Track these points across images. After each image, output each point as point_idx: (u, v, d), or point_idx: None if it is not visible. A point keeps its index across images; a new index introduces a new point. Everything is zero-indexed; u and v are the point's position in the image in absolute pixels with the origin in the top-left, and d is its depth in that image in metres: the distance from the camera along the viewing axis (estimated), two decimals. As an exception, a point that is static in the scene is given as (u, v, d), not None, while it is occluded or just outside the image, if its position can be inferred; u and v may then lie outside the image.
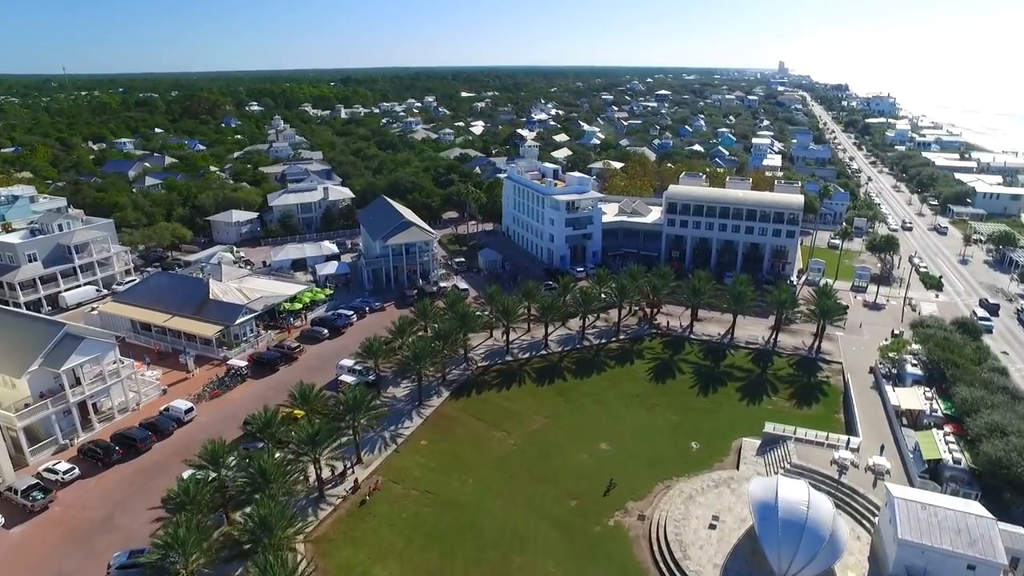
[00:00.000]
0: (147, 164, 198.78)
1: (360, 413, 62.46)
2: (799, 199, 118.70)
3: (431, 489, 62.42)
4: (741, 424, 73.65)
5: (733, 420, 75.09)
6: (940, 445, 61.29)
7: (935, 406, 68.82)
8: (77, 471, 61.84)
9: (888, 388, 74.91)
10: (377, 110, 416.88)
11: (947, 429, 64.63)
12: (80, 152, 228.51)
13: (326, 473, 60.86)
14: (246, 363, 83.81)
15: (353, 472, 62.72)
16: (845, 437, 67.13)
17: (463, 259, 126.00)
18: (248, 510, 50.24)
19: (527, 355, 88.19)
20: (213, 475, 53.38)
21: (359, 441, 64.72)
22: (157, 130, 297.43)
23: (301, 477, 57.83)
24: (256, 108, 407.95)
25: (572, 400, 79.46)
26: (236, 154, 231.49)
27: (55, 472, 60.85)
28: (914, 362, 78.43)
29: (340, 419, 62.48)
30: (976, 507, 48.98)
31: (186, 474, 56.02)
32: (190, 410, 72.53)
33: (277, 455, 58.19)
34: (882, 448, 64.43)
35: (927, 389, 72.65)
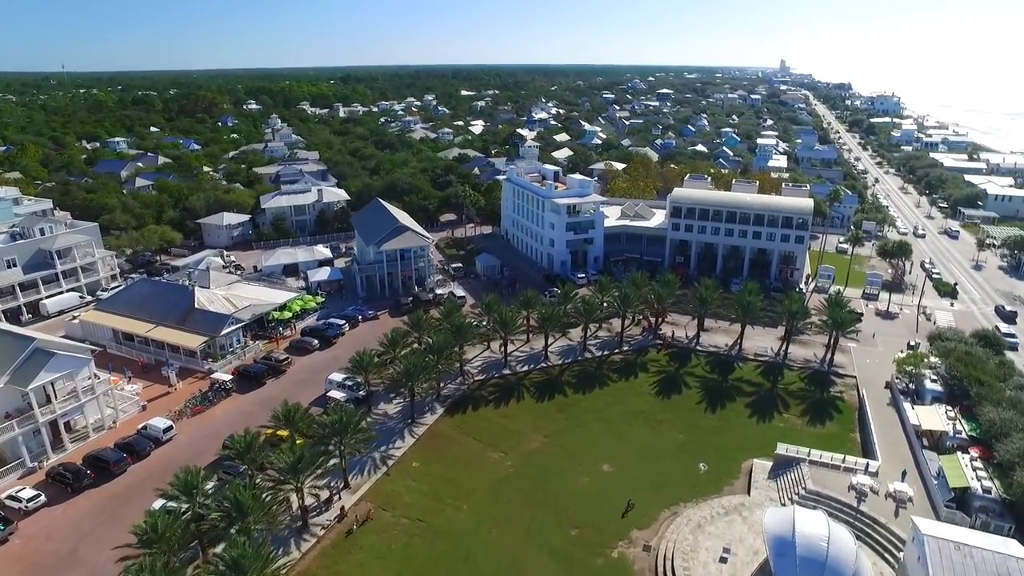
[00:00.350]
0: (140, 164, 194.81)
1: (347, 436, 58.54)
2: (808, 203, 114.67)
3: (423, 517, 58.50)
4: (751, 443, 69.75)
5: (743, 439, 71.12)
6: (967, 471, 57.26)
7: (959, 427, 64.81)
8: (43, 498, 57.74)
9: (906, 405, 70.91)
10: (376, 109, 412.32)
11: (973, 453, 60.50)
12: (72, 151, 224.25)
13: (310, 500, 56.91)
14: (231, 376, 79.88)
15: (339, 499, 58.82)
16: (863, 460, 63.12)
17: (460, 264, 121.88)
18: (220, 549, 46.27)
19: (526, 368, 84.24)
20: (186, 506, 49.43)
21: (346, 465, 60.85)
22: (153, 129, 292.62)
23: (283, 507, 53.94)
24: (254, 107, 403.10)
25: (573, 417, 75.47)
26: (231, 154, 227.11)
27: (18, 500, 56.82)
28: (933, 377, 74.36)
29: (326, 441, 58.66)
30: (1016, 547, 44.88)
31: (157, 505, 52.05)
32: (169, 428, 68.54)
33: (258, 481, 54.47)
34: (904, 474, 60.41)
35: (948, 407, 68.61)
